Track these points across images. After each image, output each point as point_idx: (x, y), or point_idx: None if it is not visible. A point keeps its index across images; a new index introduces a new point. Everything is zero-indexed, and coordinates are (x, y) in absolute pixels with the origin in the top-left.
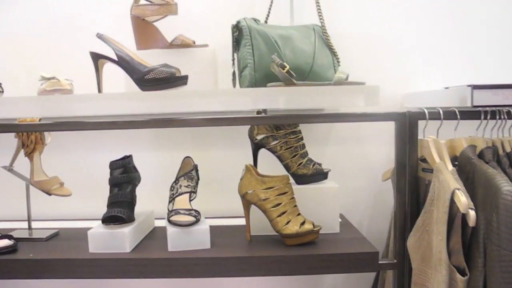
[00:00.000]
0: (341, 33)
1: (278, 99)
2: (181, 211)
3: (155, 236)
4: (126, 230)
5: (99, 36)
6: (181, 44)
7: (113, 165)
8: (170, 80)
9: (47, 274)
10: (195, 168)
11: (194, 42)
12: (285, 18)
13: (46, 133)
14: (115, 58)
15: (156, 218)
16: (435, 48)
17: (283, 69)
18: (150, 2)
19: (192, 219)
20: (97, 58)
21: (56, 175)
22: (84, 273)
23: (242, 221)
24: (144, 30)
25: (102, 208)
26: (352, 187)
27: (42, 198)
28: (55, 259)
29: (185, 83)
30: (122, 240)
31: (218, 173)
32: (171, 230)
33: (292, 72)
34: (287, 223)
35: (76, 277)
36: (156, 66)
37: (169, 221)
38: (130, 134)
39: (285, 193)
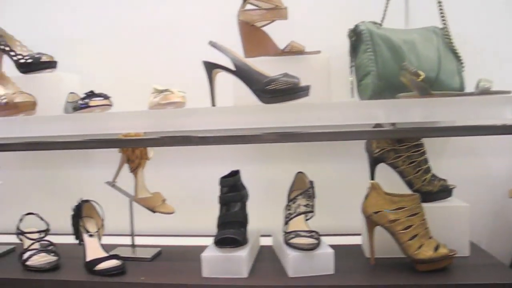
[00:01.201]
0: (460, 36)
1: (412, 111)
2: (301, 233)
3: (265, 258)
4: (243, 254)
5: (213, 44)
6: (293, 51)
7: (224, 183)
8: (292, 91)
9: None
10: (312, 185)
11: (304, 49)
12: (399, 20)
13: (149, 148)
14: (232, 67)
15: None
16: None
17: (418, 78)
18: (257, 6)
19: (314, 241)
20: (211, 67)
21: (158, 191)
22: None
23: (354, 240)
24: (253, 37)
25: (201, 224)
26: (470, 203)
27: (142, 212)
28: (168, 284)
29: (307, 94)
30: (239, 264)
31: (326, 188)
32: (292, 254)
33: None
34: (420, 247)
35: None
36: (277, 76)
37: (289, 244)
38: (232, 146)
39: (416, 214)
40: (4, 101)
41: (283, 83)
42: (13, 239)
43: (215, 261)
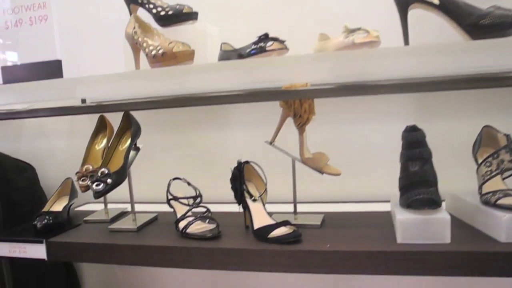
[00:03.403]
0: None
1: None
2: (510, 192)
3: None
4: (447, 216)
5: None
6: None
7: (409, 137)
8: (509, 25)
9: (352, 269)
10: (510, 138)
11: None
12: None
13: None
14: (436, 1)
15: None
16: None
17: None
18: None
19: None
20: (407, 3)
21: (320, 150)
22: (395, 268)
23: None
24: None
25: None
26: None
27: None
28: (361, 251)
29: None
30: (442, 228)
31: None
32: (507, 216)
33: None
34: None
35: (388, 272)
36: (489, 9)
37: (497, 205)
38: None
39: None
40: (161, 51)
41: (498, 17)
42: (149, 207)
43: (413, 224)
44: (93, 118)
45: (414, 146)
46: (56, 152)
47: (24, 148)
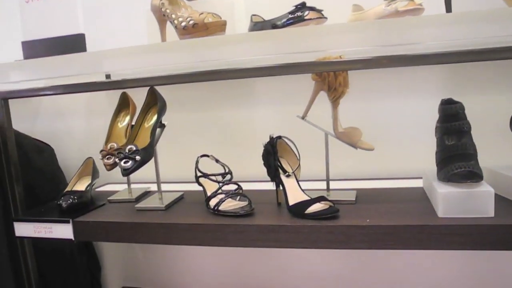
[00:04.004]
0: None
1: None
2: None
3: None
4: (491, 189)
5: None
6: None
7: (449, 110)
8: None
9: (393, 243)
10: None
11: None
12: None
13: None
14: None
15: None
16: None
17: None
18: None
19: None
20: None
21: (352, 125)
22: (438, 242)
23: None
24: None
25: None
26: None
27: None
28: (401, 225)
29: None
30: (486, 202)
31: None
32: None
33: None
34: None
35: (430, 247)
36: None
37: None
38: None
39: None
40: (191, 22)
41: None
42: (172, 186)
43: (456, 198)
44: (112, 96)
45: (453, 119)
46: (73, 131)
47: (41, 127)
